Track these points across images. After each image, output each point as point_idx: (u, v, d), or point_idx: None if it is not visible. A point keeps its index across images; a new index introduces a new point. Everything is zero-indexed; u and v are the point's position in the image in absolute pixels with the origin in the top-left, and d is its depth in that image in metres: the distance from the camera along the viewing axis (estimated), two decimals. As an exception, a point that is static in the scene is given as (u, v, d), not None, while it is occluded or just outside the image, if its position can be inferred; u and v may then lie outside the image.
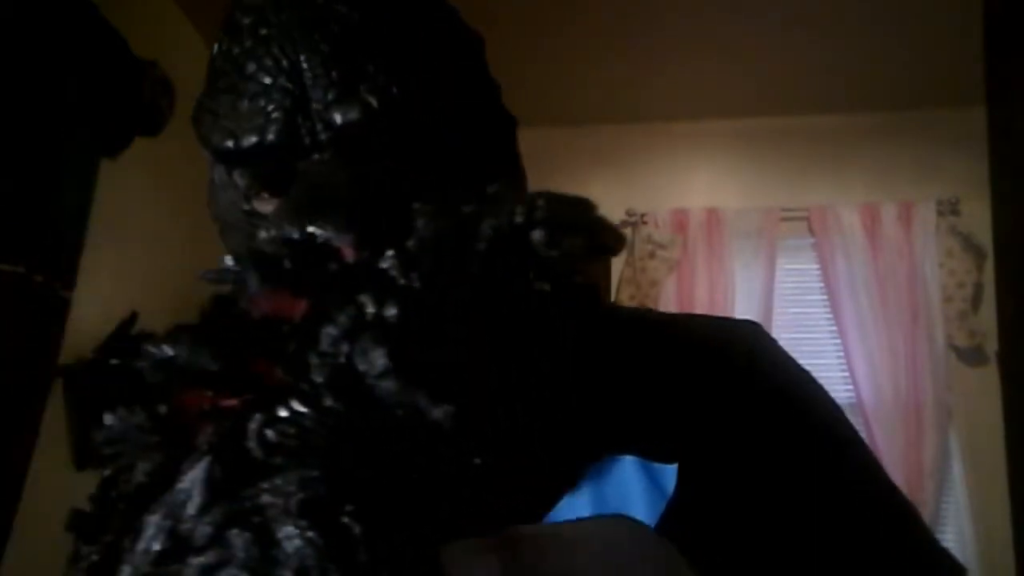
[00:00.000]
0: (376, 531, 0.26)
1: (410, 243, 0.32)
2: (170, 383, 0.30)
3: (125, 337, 2.00)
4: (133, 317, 2.03)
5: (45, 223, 1.79)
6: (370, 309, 0.30)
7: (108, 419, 0.31)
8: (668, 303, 2.71)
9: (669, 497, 0.43)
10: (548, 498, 0.43)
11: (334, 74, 0.42)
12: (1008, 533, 1.48)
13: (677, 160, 2.85)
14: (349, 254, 0.32)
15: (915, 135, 2.76)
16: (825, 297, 2.70)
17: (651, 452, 0.44)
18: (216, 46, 0.47)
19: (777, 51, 2.52)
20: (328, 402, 0.28)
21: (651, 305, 2.71)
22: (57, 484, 1.85)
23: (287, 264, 0.32)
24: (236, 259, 0.34)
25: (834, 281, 2.67)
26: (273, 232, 0.34)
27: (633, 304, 2.70)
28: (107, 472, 0.31)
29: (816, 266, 2.73)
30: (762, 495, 0.44)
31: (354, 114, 0.42)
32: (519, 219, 0.33)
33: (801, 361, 0.53)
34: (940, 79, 2.55)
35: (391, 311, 0.29)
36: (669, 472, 0.44)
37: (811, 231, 2.75)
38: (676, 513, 0.42)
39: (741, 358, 0.50)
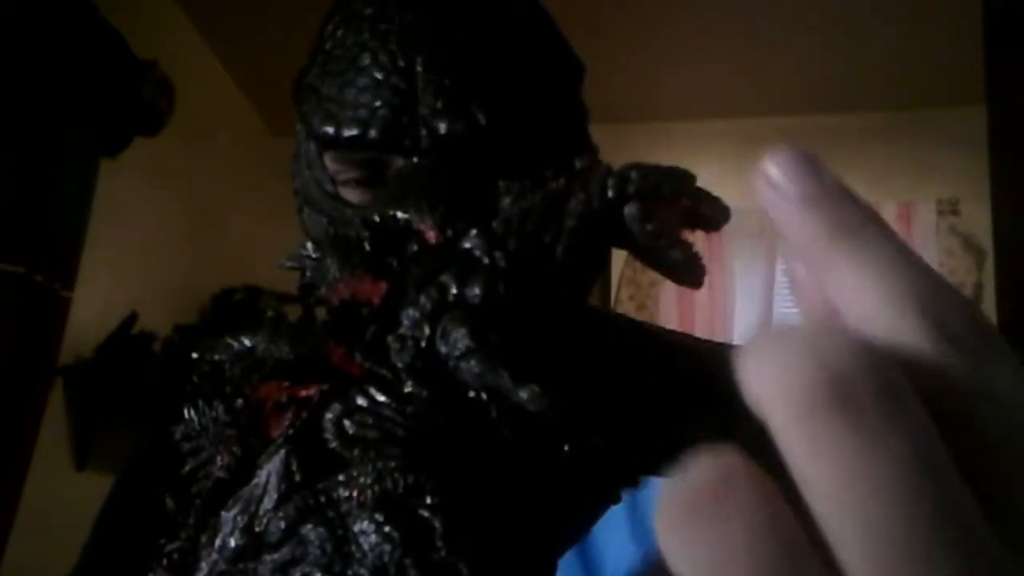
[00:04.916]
0: (456, 525, 0.25)
1: (495, 222, 0.31)
2: (248, 375, 0.30)
3: (125, 337, 2.00)
4: (133, 317, 2.03)
5: (45, 223, 1.79)
6: (453, 290, 0.29)
7: (187, 414, 0.31)
8: (668, 303, 2.71)
9: None
10: (598, 508, 0.44)
11: (447, 82, 0.42)
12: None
13: (677, 160, 2.83)
14: (432, 236, 0.32)
15: (915, 135, 2.76)
16: (825, 297, 2.70)
17: None
18: (328, 26, 0.47)
19: (777, 51, 2.52)
20: (408, 387, 0.27)
21: (651, 305, 2.71)
22: (57, 484, 1.85)
23: (367, 247, 0.31)
24: (315, 245, 0.33)
25: (834, 281, 2.66)
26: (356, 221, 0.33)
27: (633, 304, 2.70)
28: (186, 467, 0.30)
29: (816, 266, 2.73)
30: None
31: (460, 126, 0.41)
32: (611, 193, 0.31)
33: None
34: (940, 79, 2.55)
35: (474, 291, 0.28)
36: None
37: (811, 231, 2.74)
38: None
39: None
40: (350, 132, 0.43)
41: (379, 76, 0.43)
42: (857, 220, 0.17)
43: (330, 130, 0.43)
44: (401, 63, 0.43)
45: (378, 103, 0.42)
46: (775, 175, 0.18)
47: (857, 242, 0.17)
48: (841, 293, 0.17)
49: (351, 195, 0.46)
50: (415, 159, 0.42)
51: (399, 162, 0.43)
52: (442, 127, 0.41)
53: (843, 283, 0.17)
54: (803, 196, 0.18)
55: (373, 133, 0.42)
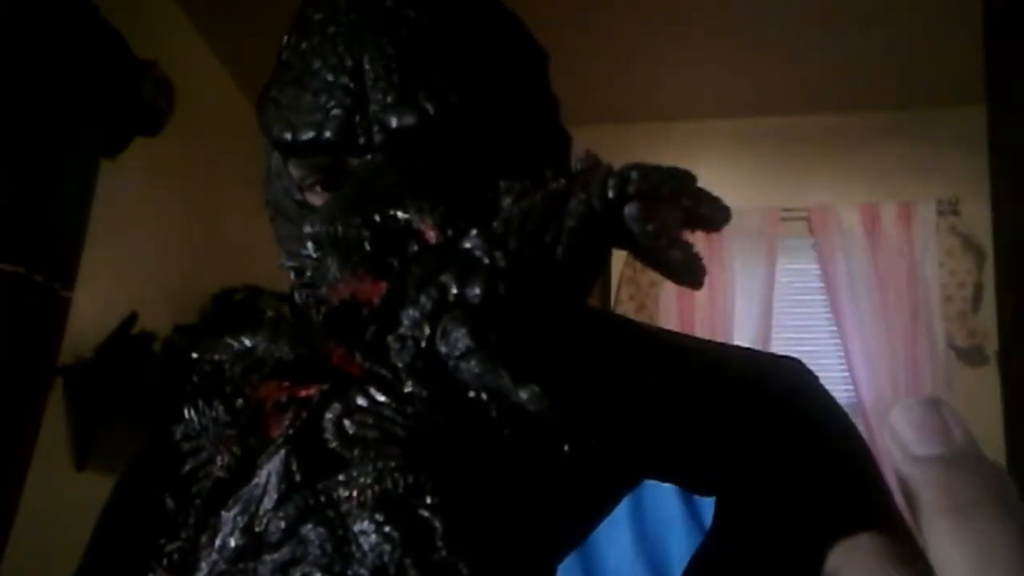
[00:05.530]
0: (457, 525, 0.25)
1: (495, 222, 0.31)
2: (248, 375, 0.30)
3: (125, 337, 2.00)
4: (133, 317, 2.03)
5: (45, 223, 1.79)
6: (453, 289, 0.29)
7: (187, 414, 0.31)
8: (668, 303, 2.71)
9: (707, 530, 0.43)
10: (598, 510, 0.43)
11: (395, 78, 0.43)
12: (1008, 481, 1.48)
13: (677, 160, 2.82)
14: (432, 236, 0.32)
15: (915, 135, 2.76)
16: (825, 297, 2.70)
17: (689, 482, 0.44)
18: (285, 38, 0.48)
19: (777, 51, 2.52)
20: (408, 387, 0.27)
21: (651, 305, 2.71)
22: (57, 484, 1.85)
23: (367, 246, 0.32)
24: (316, 244, 0.33)
25: (834, 281, 2.67)
26: (316, 225, 0.34)
27: (633, 304, 2.70)
28: (186, 467, 0.30)
29: (816, 266, 2.73)
30: (793, 534, 0.44)
31: (409, 119, 0.42)
32: (611, 193, 0.31)
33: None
34: (940, 79, 2.55)
35: (474, 291, 0.28)
36: (708, 505, 0.44)
37: (811, 231, 2.75)
38: (712, 547, 0.42)
39: (782, 394, 0.50)
40: (306, 136, 0.43)
41: (330, 78, 0.43)
42: (973, 496, 0.18)
43: (288, 136, 0.44)
44: (349, 62, 0.43)
45: (331, 104, 0.43)
46: (903, 433, 0.19)
47: (966, 521, 0.17)
48: (940, 559, 0.18)
49: (316, 199, 0.46)
50: (370, 156, 0.42)
51: (354, 161, 0.43)
52: (393, 121, 0.42)
53: (943, 552, 0.18)
54: (927, 460, 0.18)
55: (328, 135, 0.43)
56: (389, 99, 0.42)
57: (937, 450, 0.18)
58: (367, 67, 0.43)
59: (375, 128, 0.42)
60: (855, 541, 0.20)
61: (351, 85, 0.43)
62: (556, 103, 0.52)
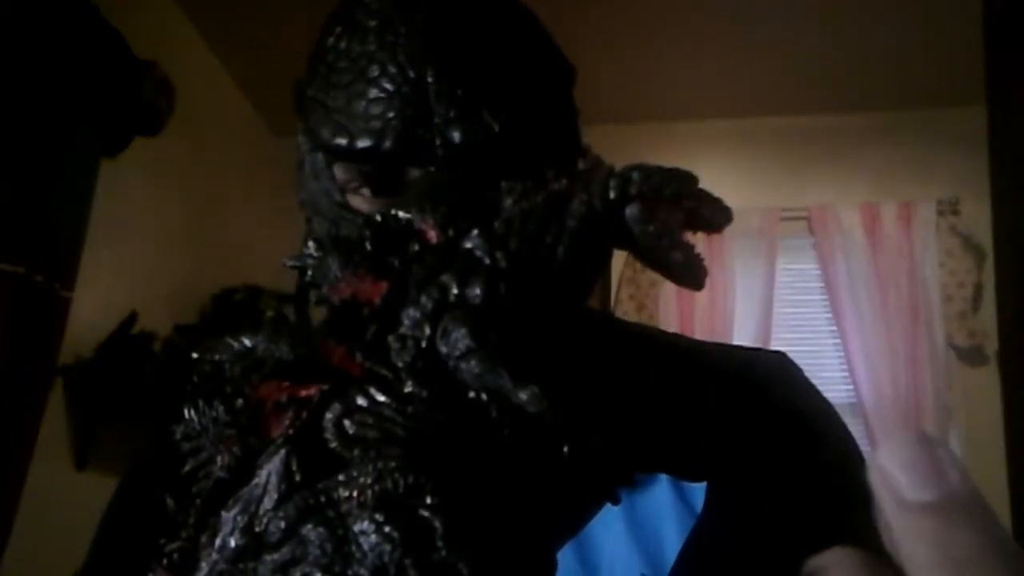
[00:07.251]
0: (457, 525, 0.25)
1: (497, 223, 0.31)
2: (248, 375, 0.30)
3: (125, 337, 2.00)
4: (133, 317, 2.03)
5: (45, 223, 1.79)
6: (453, 289, 0.29)
7: (187, 414, 0.31)
8: (668, 303, 2.71)
9: (698, 515, 0.44)
10: (596, 501, 0.44)
11: (459, 92, 0.43)
12: (1008, 532, 1.48)
13: (677, 160, 2.82)
14: (433, 236, 0.32)
15: (915, 135, 2.76)
16: (825, 297, 2.70)
17: (681, 472, 0.45)
18: (330, 38, 0.47)
19: (777, 51, 2.52)
20: (408, 387, 0.27)
21: (651, 305, 2.71)
22: (57, 484, 1.85)
23: (368, 246, 0.32)
24: (317, 244, 0.33)
25: (834, 281, 2.67)
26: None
27: (633, 304, 2.70)
28: (187, 467, 0.30)
29: (816, 266, 2.73)
30: (779, 517, 0.45)
31: (474, 134, 0.42)
32: (613, 194, 0.32)
33: (801, 361, 0.55)
34: (940, 79, 2.55)
35: (475, 291, 0.29)
36: (698, 490, 0.44)
37: (811, 231, 2.74)
38: (704, 531, 0.43)
39: (764, 387, 0.52)
40: (364, 143, 0.43)
41: (390, 87, 0.44)
42: (969, 551, 0.16)
43: (343, 142, 0.44)
44: (411, 74, 0.43)
45: (391, 114, 0.43)
46: (893, 475, 0.17)
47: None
48: None
49: (361, 204, 0.47)
50: (431, 168, 0.42)
51: (414, 172, 0.43)
52: (456, 136, 0.42)
53: None
54: (919, 507, 0.17)
55: (387, 144, 0.43)
56: (452, 113, 0.43)
57: (931, 496, 0.17)
58: (430, 80, 0.43)
59: (438, 140, 0.42)
60: (831, 554, 0.18)
61: (413, 96, 0.43)
62: (578, 114, 0.53)
